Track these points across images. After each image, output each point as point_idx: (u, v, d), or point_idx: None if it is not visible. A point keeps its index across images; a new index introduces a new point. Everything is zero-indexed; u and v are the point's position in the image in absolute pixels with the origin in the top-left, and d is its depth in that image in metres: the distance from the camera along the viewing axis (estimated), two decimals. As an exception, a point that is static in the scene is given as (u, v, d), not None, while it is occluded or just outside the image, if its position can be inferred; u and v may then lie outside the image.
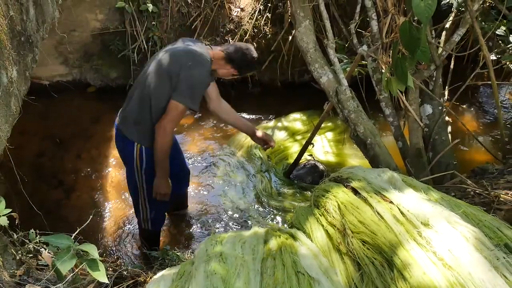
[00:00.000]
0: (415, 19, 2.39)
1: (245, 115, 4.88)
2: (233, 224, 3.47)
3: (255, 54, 2.67)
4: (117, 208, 3.59)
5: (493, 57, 3.39)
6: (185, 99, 2.45)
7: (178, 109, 2.46)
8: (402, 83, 2.37)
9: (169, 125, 2.50)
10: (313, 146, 4.03)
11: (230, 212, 3.59)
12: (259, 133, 3.01)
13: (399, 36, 2.21)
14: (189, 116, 4.67)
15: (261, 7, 4.94)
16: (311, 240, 1.94)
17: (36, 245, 1.96)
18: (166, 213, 3.20)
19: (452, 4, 3.27)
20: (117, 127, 2.71)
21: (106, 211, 3.57)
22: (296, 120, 4.65)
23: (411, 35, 2.15)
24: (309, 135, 3.72)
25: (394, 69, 2.35)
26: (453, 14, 3.28)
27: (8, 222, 1.79)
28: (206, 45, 2.69)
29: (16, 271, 1.84)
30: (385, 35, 2.92)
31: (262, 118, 4.85)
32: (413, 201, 1.74)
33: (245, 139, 4.44)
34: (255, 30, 4.99)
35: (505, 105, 4.92)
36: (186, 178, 3.26)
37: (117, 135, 2.72)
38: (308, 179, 3.89)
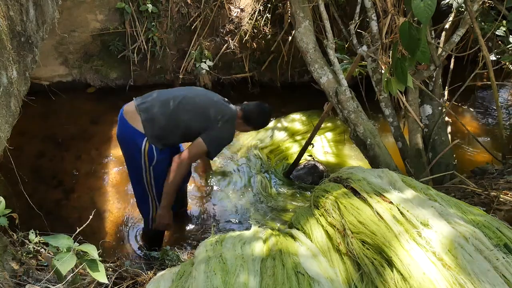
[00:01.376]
0: (415, 19, 2.40)
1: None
2: (233, 224, 3.47)
3: (270, 113, 3.00)
4: (117, 208, 3.59)
5: (492, 57, 3.39)
6: (211, 146, 2.71)
7: (202, 149, 2.70)
8: (401, 83, 2.37)
9: (188, 160, 2.72)
10: (313, 147, 4.03)
11: (230, 213, 3.59)
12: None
13: (399, 36, 2.21)
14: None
15: (261, 8, 4.94)
16: (311, 240, 1.94)
17: (36, 246, 1.97)
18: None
19: (451, 4, 3.27)
20: (124, 116, 2.65)
21: (106, 211, 3.57)
22: (296, 121, 4.65)
23: (411, 36, 2.15)
24: (308, 135, 3.72)
25: (393, 69, 2.35)
26: (452, 15, 3.28)
27: (8, 222, 1.79)
28: (225, 101, 2.88)
29: (16, 271, 1.84)
30: (384, 35, 2.92)
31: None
32: (413, 201, 1.74)
33: (245, 140, 4.45)
34: (255, 31, 4.99)
35: (505, 106, 4.93)
36: (187, 177, 3.26)
37: (123, 125, 2.67)
38: (308, 180, 3.89)
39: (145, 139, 2.59)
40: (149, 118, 2.59)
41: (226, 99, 2.88)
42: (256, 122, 2.95)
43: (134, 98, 2.74)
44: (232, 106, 2.85)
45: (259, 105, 2.94)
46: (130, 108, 2.66)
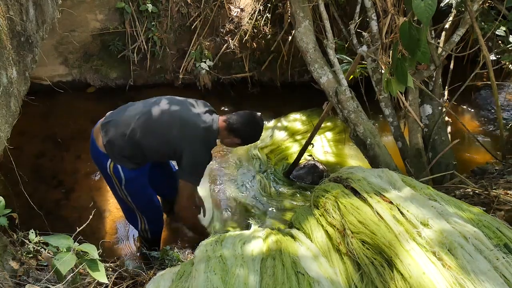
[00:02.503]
0: (414, 19, 2.39)
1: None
2: (232, 224, 3.47)
3: (260, 123, 2.61)
4: (117, 208, 3.58)
5: (492, 57, 3.39)
6: (191, 178, 2.46)
7: (188, 187, 2.48)
8: (402, 84, 2.37)
9: (188, 203, 2.56)
10: (312, 146, 4.03)
11: (229, 213, 3.59)
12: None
13: (399, 36, 2.21)
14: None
15: (261, 8, 4.94)
16: (311, 240, 1.94)
17: (36, 245, 1.97)
18: (164, 214, 3.20)
19: (451, 4, 3.27)
20: (93, 134, 2.55)
21: (106, 211, 3.57)
22: (296, 120, 4.65)
23: (411, 36, 2.15)
24: (308, 135, 3.72)
25: (394, 69, 2.35)
26: (452, 15, 3.28)
27: (8, 222, 1.79)
28: (207, 109, 2.57)
29: (16, 271, 1.84)
30: (384, 35, 2.92)
31: (262, 118, 4.85)
32: (413, 201, 1.74)
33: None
34: (255, 31, 4.99)
35: (504, 105, 4.93)
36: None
37: (92, 144, 2.55)
38: (307, 179, 3.89)
39: (109, 160, 2.45)
40: (108, 140, 2.42)
41: (210, 109, 2.57)
42: (244, 133, 2.54)
43: (107, 113, 2.61)
44: (211, 117, 2.50)
45: (248, 114, 2.57)
46: (97, 126, 2.54)
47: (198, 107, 2.52)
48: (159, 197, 2.99)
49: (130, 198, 2.63)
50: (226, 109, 4.97)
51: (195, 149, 2.39)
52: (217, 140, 2.55)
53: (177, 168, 2.55)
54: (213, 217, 3.33)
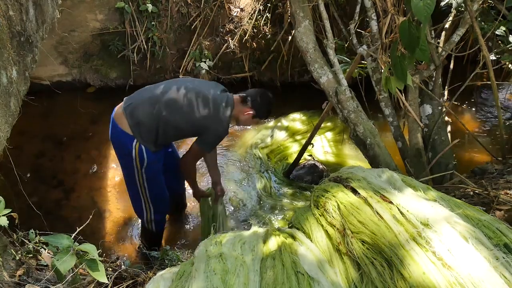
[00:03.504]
0: (414, 18, 2.39)
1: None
2: (232, 224, 3.47)
3: (271, 97, 2.82)
4: (116, 208, 3.59)
5: (492, 57, 3.39)
6: (208, 148, 2.73)
7: (201, 153, 2.77)
8: (401, 81, 2.36)
9: (193, 162, 2.83)
10: (312, 146, 4.03)
11: (229, 212, 3.59)
12: (219, 188, 3.12)
13: (399, 35, 2.21)
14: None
15: (261, 7, 4.94)
16: (311, 240, 1.94)
17: (36, 245, 1.97)
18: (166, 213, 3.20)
19: (451, 4, 3.27)
20: (114, 118, 2.62)
21: (105, 211, 3.57)
22: (296, 120, 4.65)
23: (410, 34, 2.15)
24: (308, 135, 3.72)
25: (393, 68, 2.35)
26: (452, 14, 3.28)
27: (8, 222, 1.79)
28: (221, 88, 2.75)
29: (16, 271, 1.84)
30: (384, 35, 2.91)
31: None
32: (413, 201, 1.74)
33: (245, 139, 4.45)
34: (255, 30, 4.99)
35: (504, 105, 4.93)
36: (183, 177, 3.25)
37: (114, 128, 2.63)
38: (307, 179, 3.89)
39: (135, 141, 2.55)
40: (135, 122, 2.53)
41: (223, 88, 2.76)
42: (256, 103, 2.72)
43: (124, 98, 2.70)
44: (227, 94, 2.71)
45: (260, 89, 2.85)
46: (119, 110, 2.61)
47: (215, 88, 2.70)
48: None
49: (146, 184, 2.72)
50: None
51: (217, 126, 2.62)
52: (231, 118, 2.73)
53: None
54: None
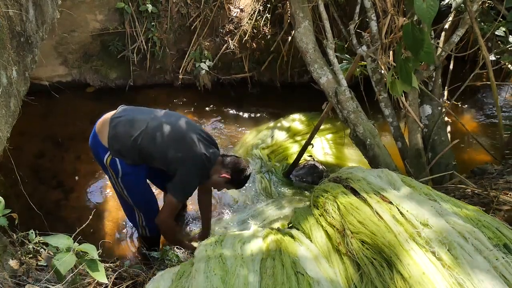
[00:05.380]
0: (415, 19, 2.40)
1: (245, 115, 4.89)
2: (232, 224, 3.47)
3: (249, 169, 2.78)
4: (116, 208, 3.58)
5: (492, 57, 3.39)
6: (178, 195, 2.58)
7: (173, 203, 2.60)
8: (406, 84, 2.36)
9: (169, 219, 2.67)
10: (312, 147, 4.03)
11: (229, 213, 3.58)
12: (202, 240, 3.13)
13: (402, 37, 2.21)
14: (189, 115, 4.67)
15: (261, 8, 4.94)
16: (311, 241, 1.94)
17: (35, 246, 1.97)
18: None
19: (451, 4, 3.27)
20: (96, 126, 2.62)
21: (105, 211, 3.57)
22: (296, 121, 4.65)
23: (414, 36, 2.14)
24: (308, 135, 3.72)
25: (398, 70, 2.34)
26: (452, 15, 3.28)
27: (7, 222, 1.79)
28: (211, 141, 2.72)
29: (15, 271, 1.84)
30: (384, 35, 2.92)
31: (262, 118, 4.86)
32: (413, 201, 1.74)
33: (245, 140, 4.45)
34: (255, 31, 4.99)
35: (504, 106, 4.93)
36: None
37: (93, 137, 2.62)
38: (307, 180, 3.89)
39: (108, 153, 2.53)
40: (115, 135, 2.51)
41: (211, 140, 2.71)
42: (237, 174, 2.70)
43: (120, 105, 2.70)
44: (212, 150, 2.65)
45: (242, 161, 2.77)
46: (106, 117, 2.60)
47: (204, 137, 2.66)
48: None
49: (126, 192, 2.69)
50: (226, 109, 4.97)
51: (190, 171, 2.54)
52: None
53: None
54: None
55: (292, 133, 4.49)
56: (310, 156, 4.12)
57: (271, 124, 4.67)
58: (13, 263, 1.86)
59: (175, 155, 2.50)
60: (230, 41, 5.00)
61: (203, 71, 4.93)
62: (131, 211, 2.87)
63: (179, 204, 2.66)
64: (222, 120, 4.79)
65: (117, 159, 2.52)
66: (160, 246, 3.05)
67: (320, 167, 3.97)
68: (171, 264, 2.46)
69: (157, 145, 2.50)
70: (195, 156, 2.52)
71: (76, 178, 3.89)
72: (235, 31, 5.01)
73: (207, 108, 4.95)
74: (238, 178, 2.74)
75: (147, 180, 2.85)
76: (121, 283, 2.02)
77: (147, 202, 2.83)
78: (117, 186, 2.68)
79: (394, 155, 2.96)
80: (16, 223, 1.89)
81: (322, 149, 4.32)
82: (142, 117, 2.57)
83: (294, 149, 4.26)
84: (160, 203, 3.14)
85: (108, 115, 2.63)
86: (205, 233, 3.16)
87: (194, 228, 3.47)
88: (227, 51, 5.04)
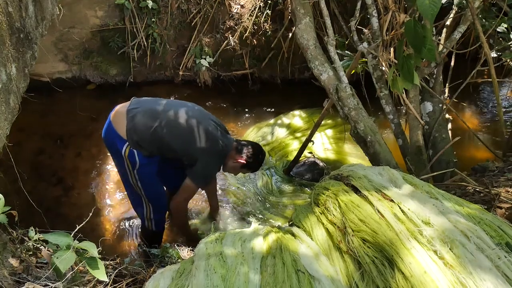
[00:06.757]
0: (416, 16, 2.38)
1: (245, 112, 4.88)
2: (233, 222, 3.46)
3: (264, 152, 2.90)
4: (116, 205, 3.58)
5: (493, 54, 3.37)
6: (198, 181, 2.68)
7: (191, 188, 2.70)
8: (408, 82, 2.35)
9: (185, 203, 2.82)
10: (313, 144, 4.02)
11: (230, 210, 3.58)
12: (215, 215, 3.40)
13: (404, 34, 2.19)
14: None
15: (261, 4, 4.93)
16: (311, 239, 1.93)
17: (35, 243, 1.96)
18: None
19: (453, 1, 3.25)
20: (111, 118, 2.61)
21: (105, 209, 3.57)
22: (296, 117, 4.64)
23: (416, 33, 2.12)
24: (309, 132, 3.71)
25: (400, 67, 2.33)
26: (453, 11, 3.27)
27: (7, 219, 1.78)
28: (225, 129, 2.80)
29: (15, 269, 1.83)
30: (385, 32, 2.90)
31: (262, 115, 4.85)
32: (414, 199, 1.74)
33: (246, 137, 4.44)
34: (255, 27, 4.98)
35: (505, 103, 4.92)
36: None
37: (108, 129, 2.62)
38: (308, 176, 3.89)
39: (126, 144, 2.53)
40: (133, 127, 2.52)
41: (225, 129, 2.79)
42: (252, 157, 2.80)
43: (133, 97, 2.70)
44: (228, 137, 2.77)
45: (257, 145, 2.89)
46: (121, 110, 2.59)
47: (218, 123, 2.74)
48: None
49: (140, 184, 2.70)
50: (226, 105, 4.96)
51: (211, 160, 2.64)
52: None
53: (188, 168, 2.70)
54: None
55: (292, 130, 4.49)
56: (311, 153, 4.11)
57: (272, 121, 4.66)
58: (13, 260, 1.85)
59: (199, 145, 2.56)
60: (230, 37, 4.98)
61: (204, 68, 4.92)
62: (140, 203, 2.86)
63: (197, 189, 2.76)
64: (222, 117, 4.78)
65: (135, 151, 2.55)
66: (161, 244, 3.05)
67: (321, 163, 3.96)
68: (171, 262, 2.45)
69: (178, 135, 2.56)
70: (217, 146, 2.62)
71: (75, 174, 3.89)
72: (236, 27, 5.00)
73: (207, 105, 4.94)
74: (253, 162, 2.83)
75: None
76: (121, 281, 2.02)
77: (158, 194, 2.86)
78: (131, 178, 2.68)
79: (394, 152, 2.95)
80: (16, 220, 1.88)
81: (322, 144, 4.32)
82: (159, 108, 2.60)
83: (295, 145, 4.26)
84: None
85: (123, 107, 2.62)
86: (215, 209, 3.40)
87: (195, 225, 3.47)
88: (228, 47, 5.03)
